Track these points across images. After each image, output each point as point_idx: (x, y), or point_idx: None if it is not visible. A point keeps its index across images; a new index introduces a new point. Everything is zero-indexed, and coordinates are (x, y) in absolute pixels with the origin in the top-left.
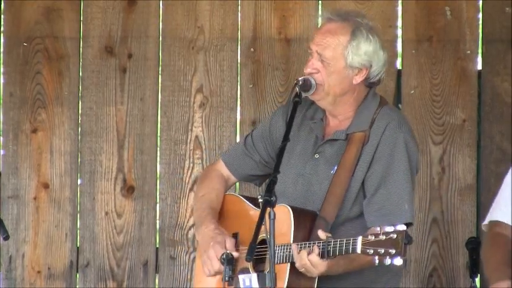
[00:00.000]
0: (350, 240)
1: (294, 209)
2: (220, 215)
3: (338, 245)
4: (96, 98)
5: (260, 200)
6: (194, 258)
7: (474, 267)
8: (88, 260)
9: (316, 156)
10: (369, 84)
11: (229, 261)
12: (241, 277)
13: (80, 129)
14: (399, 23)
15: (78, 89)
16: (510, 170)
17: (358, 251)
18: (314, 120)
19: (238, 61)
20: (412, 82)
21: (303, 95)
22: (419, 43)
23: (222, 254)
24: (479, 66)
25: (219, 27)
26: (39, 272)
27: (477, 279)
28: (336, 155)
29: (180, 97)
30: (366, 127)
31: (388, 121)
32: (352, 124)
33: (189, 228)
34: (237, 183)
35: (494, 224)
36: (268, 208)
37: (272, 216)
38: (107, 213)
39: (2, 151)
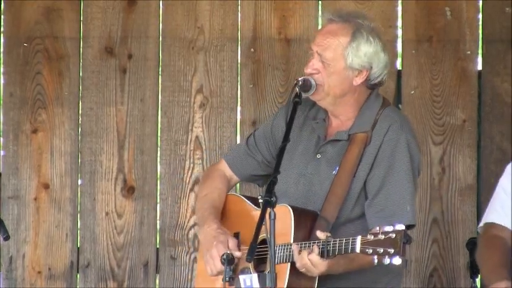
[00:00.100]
0: (349, 239)
1: (295, 209)
2: (222, 215)
3: (337, 244)
4: (96, 99)
5: (260, 201)
6: (195, 258)
7: (475, 268)
8: (88, 260)
9: (318, 156)
10: (370, 86)
11: (229, 262)
12: (241, 277)
13: (80, 129)
14: (399, 23)
15: (79, 90)
16: (505, 172)
17: (357, 250)
18: (316, 121)
19: (239, 61)
20: (412, 82)
21: (303, 95)
22: (419, 43)
23: (223, 255)
24: (480, 67)
25: (219, 28)
26: (39, 272)
27: (478, 280)
28: (338, 155)
29: (180, 97)
30: (368, 128)
31: (391, 123)
32: (355, 125)
33: (190, 229)
34: (238, 183)
35: (490, 225)
36: (269, 208)
37: (272, 217)
38: (107, 214)
39: (2, 152)
